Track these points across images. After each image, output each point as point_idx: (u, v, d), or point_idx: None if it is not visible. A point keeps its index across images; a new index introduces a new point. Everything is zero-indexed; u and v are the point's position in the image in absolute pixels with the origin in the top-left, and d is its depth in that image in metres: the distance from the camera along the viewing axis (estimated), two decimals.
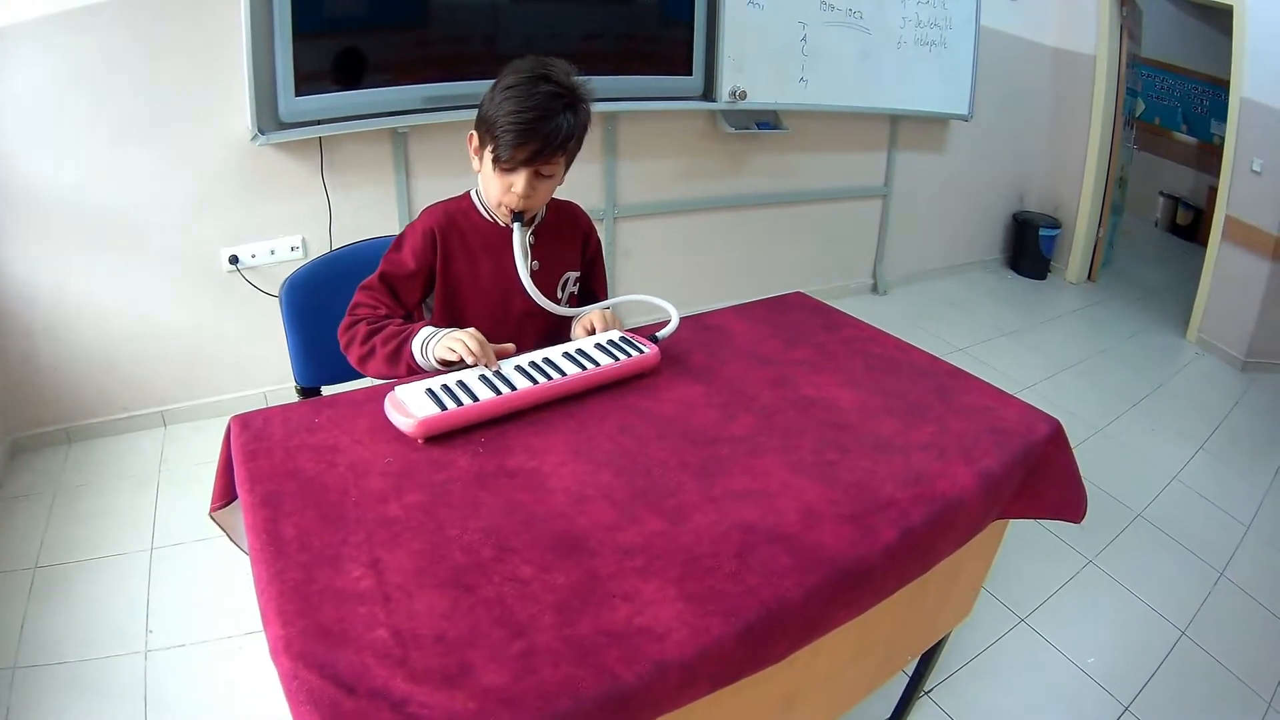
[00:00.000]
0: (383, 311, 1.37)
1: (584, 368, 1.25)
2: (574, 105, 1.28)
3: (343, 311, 1.58)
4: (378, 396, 1.19)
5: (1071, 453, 1.29)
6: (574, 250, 1.53)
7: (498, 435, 1.13)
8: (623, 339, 1.35)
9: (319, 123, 2.21)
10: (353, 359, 1.35)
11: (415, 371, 1.28)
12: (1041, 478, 1.25)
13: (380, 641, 0.77)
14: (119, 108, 2.14)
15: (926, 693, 1.71)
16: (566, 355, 1.29)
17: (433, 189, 2.62)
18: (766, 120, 3.25)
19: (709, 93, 2.96)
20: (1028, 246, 4.58)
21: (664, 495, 1.03)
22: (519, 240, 1.35)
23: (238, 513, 1.22)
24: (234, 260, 2.39)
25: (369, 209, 2.54)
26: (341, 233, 2.49)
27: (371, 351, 1.32)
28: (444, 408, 1.10)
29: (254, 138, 2.16)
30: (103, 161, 2.18)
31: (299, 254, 2.48)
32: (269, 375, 2.59)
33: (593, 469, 1.07)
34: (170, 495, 2.18)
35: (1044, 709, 1.75)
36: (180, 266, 2.36)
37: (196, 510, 2.06)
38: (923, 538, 1.05)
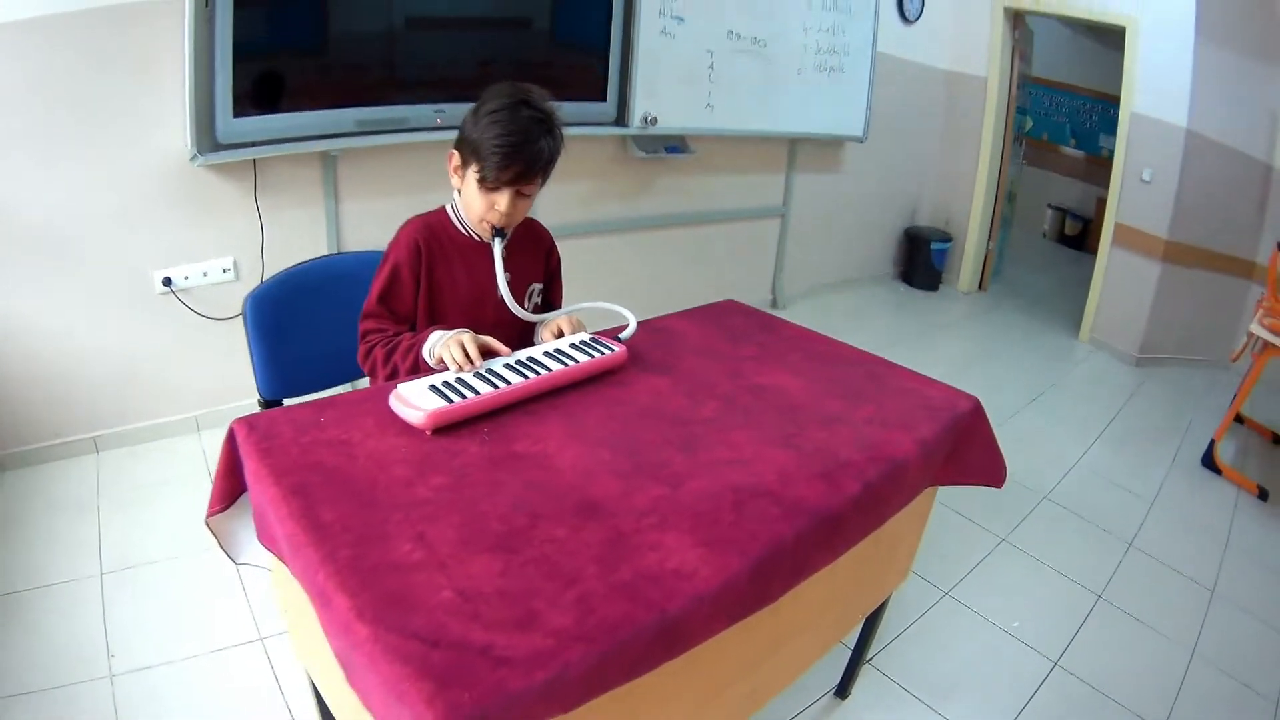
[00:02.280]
0: (391, 331, 1.43)
1: (565, 364, 1.35)
2: (552, 129, 1.39)
3: (308, 323, 1.63)
4: (376, 396, 1.25)
5: (989, 426, 1.50)
6: (538, 263, 1.64)
7: (497, 425, 1.21)
8: (593, 339, 1.46)
9: (254, 144, 2.20)
10: (380, 382, 1.41)
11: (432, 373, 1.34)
12: (967, 447, 1.46)
13: (448, 601, 0.84)
14: (52, 127, 2.05)
15: (868, 661, 1.85)
16: (547, 354, 1.39)
17: (361, 211, 2.63)
18: (674, 144, 3.45)
19: (621, 118, 3.12)
20: (920, 260, 4.87)
21: (659, 466, 1.15)
22: (499, 254, 1.44)
23: (234, 520, 1.25)
24: (167, 282, 2.32)
25: (299, 231, 2.52)
26: (273, 255, 2.45)
27: (395, 370, 1.39)
28: (450, 401, 1.18)
29: (193, 158, 2.12)
30: (35, 181, 2.08)
31: (230, 275, 2.43)
32: (201, 398, 2.51)
33: (591, 449, 1.17)
34: (113, 520, 2.08)
35: (979, 668, 1.91)
36: (113, 288, 2.26)
37: (144, 534, 2.05)
38: (879, 491, 1.23)
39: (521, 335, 1.60)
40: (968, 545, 2.38)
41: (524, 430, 1.21)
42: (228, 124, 2.13)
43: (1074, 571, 2.32)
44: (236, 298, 2.42)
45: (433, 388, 1.21)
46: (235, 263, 2.43)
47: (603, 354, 1.41)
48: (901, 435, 1.33)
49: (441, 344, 1.32)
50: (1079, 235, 6.43)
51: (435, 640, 0.78)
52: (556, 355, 1.38)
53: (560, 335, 1.51)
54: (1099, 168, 6.23)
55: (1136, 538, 2.55)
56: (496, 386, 1.24)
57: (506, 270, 1.47)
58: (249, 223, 2.41)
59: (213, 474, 2.24)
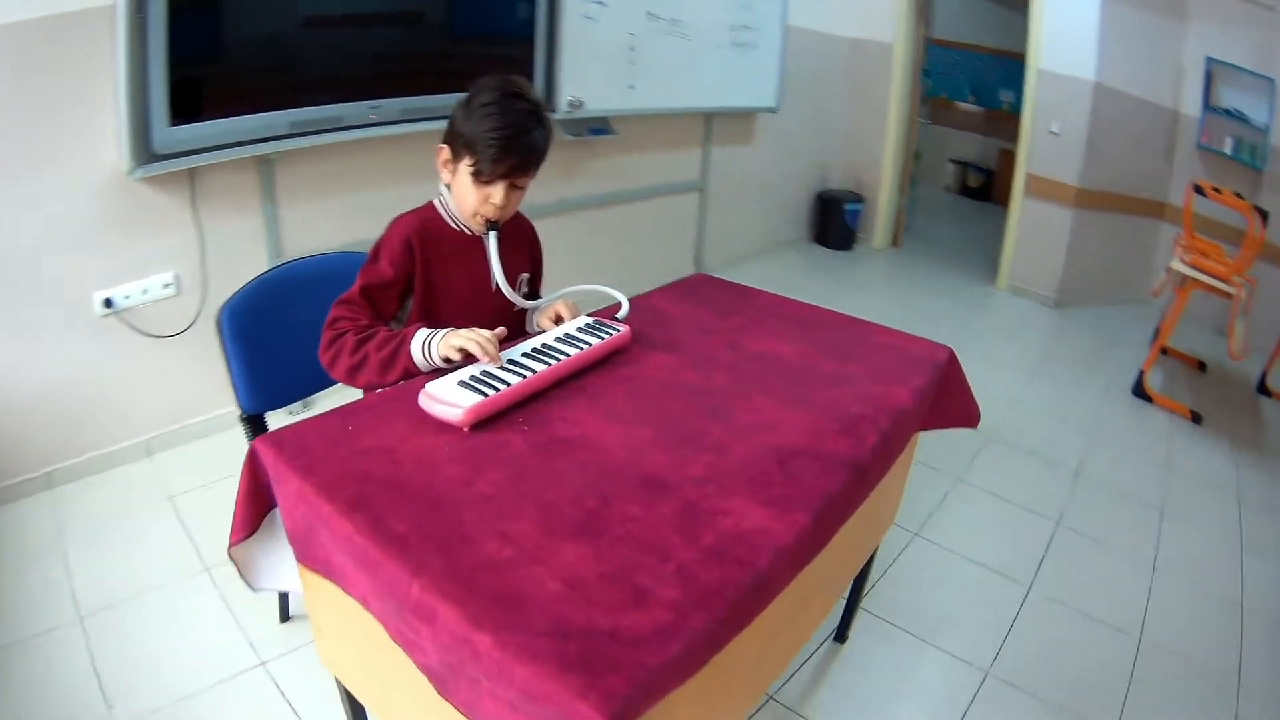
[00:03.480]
0: (364, 322, 1.34)
1: (580, 348, 1.34)
2: (543, 120, 1.36)
3: (289, 330, 1.54)
4: (398, 398, 1.20)
5: (963, 372, 1.59)
6: (524, 254, 1.61)
7: (530, 414, 1.19)
8: (596, 322, 1.45)
9: (191, 153, 2.02)
10: (339, 372, 1.32)
11: (411, 374, 1.28)
12: (947, 393, 1.54)
13: (557, 593, 0.82)
14: None
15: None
16: (559, 340, 1.37)
17: (299, 214, 2.47)
18: (598, 126, 3.42)
19: (548, 103, 3.06)
20: (833, 221, 4.98)
21: (698, 437, 1.16)
22: (495, 247, 1.40)
23: (255, 547, 1.17)
24: (108, 303, 2.11)
25: (239, 239, 2.34)
26: (215, 265, 2.28)
27: (364, 360, 1.29)
28: (485, 394, 1.14)
29: (130, 171, 1.93)
30: None
31: (172, 290, 2.23)
32: (152, 420, 2.32)
33: (629, 426, 1.17)
34: (82, 559, 1.90)
35: (961, 600, 2.00)
36: (52, 314, 2.04)
37: (115, 570, 1.90)
38: (890, 440, 1.29)
39: (520, 327, 1.58)
40: (927, 488, 2.47)
41: (557, 415, 1.19)
42: (164, 134, 1.96)
43: (1029, 502, 2.44)
44: (179, 314, 2.30)
45: (462, 383, 1.17)
46: (176, 277, 2.24)
47: (610, 335, 1.40)
48: (897, 387, 1.40)
49: (456, 337, 1.25)
50: (982, 187, 6.65)
51: (563, 632, 0.77)
52: (568, 340, 1.37)
53: (558, 320, 1.49)
54: (998, 121, 6.48)
55: (1083, 466, 2.68)
56: (524, 376, 1.21)
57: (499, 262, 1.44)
58: (188, 235, 2.23)
59: (173, 497, 2.12)
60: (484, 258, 1.46)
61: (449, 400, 1.12)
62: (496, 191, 1.36)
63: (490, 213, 1.38)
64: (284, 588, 1.25)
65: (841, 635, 1.87)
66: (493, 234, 1.40)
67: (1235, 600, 2.12)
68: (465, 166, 1.35)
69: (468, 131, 1.32)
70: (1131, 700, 1.75)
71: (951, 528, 2.30)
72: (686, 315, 1.66)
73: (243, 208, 2.34)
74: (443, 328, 1.30)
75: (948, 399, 1.56)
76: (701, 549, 0.91)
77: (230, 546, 1.14)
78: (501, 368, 1.23)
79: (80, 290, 2.08)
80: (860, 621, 1.91)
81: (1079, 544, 2.29)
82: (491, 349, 1.23)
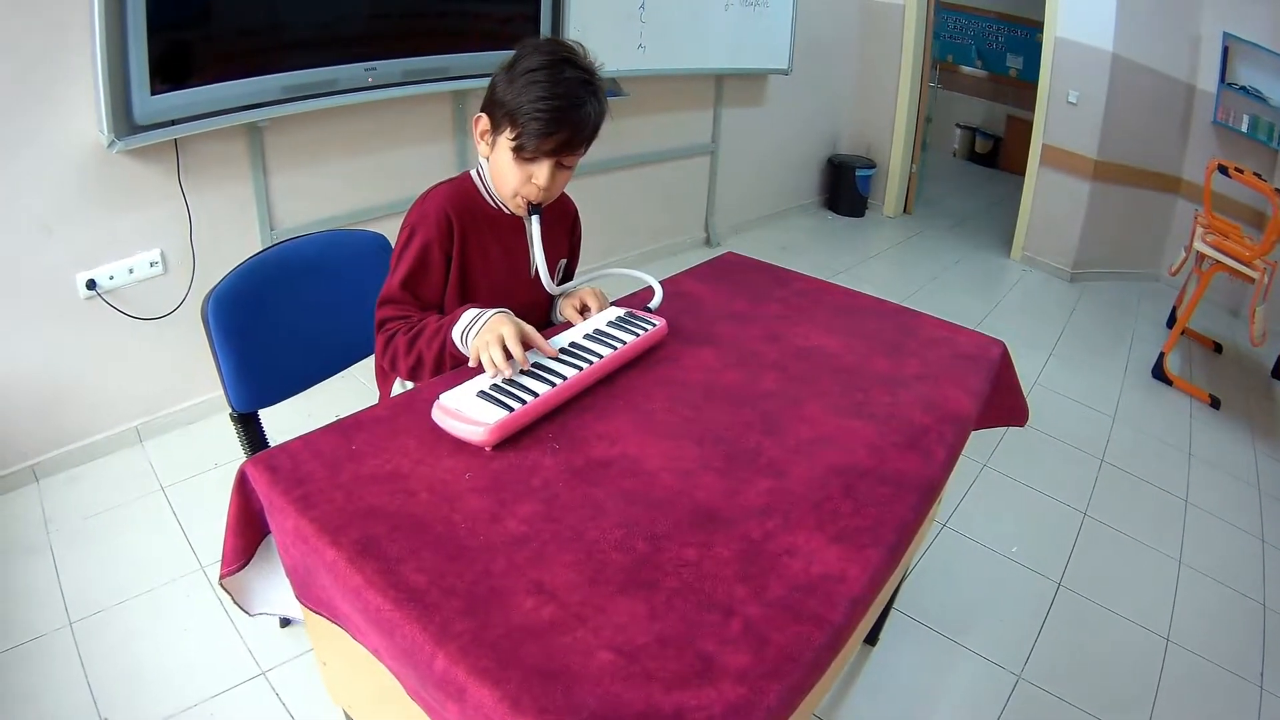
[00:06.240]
0: (415, 318, 1.21)
1: (613, 347, 1.19)
2: (597, 91, 1.18)
3: (283, 319, 1.39)
4: (405, 409, 1.05)
5: (1013, 367, 1.45)
6: (564, 237, 1.45)
7: (560, 428, 1.04)
8: (629, 315, 1.30)
9: (175, 123, 1.85)
10: (403, 373, 1.22)
11: (462, 363, 1.14)
12: (998, 391, 1.40)
13: (609, 664, 0.69)
14: None
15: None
16: (588, 337, 1.22)
17: (291, 184, 2.30)
18: (609, 88, 3.19)
19: None
20: (844, 187, 4.79)
21: (752, 456, 1.02)
22: (537, 233, 1.24)
23: (250, 574, 1.03)
24: (91, 285, 1.95)
25: (227, 212, 2.17)
26: (202, 241, 2.11)
27: (420, 360, 1.17)
28: (509, 409, 0.99)
29: (110, 144, 1.76)
30: None
31: (159, 269, 2.06)
32: (138, 407, 2.17)
33: (674, 444, 1.03)
34: (69, 559, 1.78)
35: (990, 597, 1.90)
36: (33, 299, 1.89)
37: (104, 570, 1.77)
38: (956, 452, 1.16)
39: (549, 319, 1.43)
40: (954, 474, 2.30)
41: (591, 430, 1.04)
42: (145, 103, 1.78)
43: (1056, 491, 2.33)
44: (167, 293, 2.13)
45: (482, 394, 1.02)
46: (162, 254, 2.07)
47: (646, 330, 1.25)
48: (957, 391, 1.26)
49: (478, 337, 1.09)
50: (990, 153, 6.48)
51: (619, 718, 0.64)
52: (599, 337, 1.21)
53: (583, 309, 1.33)
54: (1005, 86, 6.28)
55: (1106, 453, 2.57)
56: (553, 384, 1.06)
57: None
58: (174, 209, 2.05)
59: (164, 487, 1.99)
60: (524, 241, 1.31)
61: (468, 417, 0.98)
62: (540, 171, 1.19)
63: (532, 194, 1.21)
64: (283, 613, 1.12)
65: (872, 638, 1.75)
66: (535, 218, 1.24)
67: (1258, 600, 2.02)
68: (506, 140, 1.17)
69: (510, 100, 1.14)
70: (1160, 706, 1.67)
71: (979, 517, 2.18)
72: (721, 302, 1.51)
73: (232, 177, 2.16)
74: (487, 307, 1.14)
75: (998, 397, 1.42)
76: (769, 603, 0.77)
77: (222, 578, 1.01)
78: (524, 372, 1.08)
79: (61, 272, 1.93)
80: (890, 620, 1.80)
81: (1107, 537, 2.18)
82: (504, 365, 1.05)
